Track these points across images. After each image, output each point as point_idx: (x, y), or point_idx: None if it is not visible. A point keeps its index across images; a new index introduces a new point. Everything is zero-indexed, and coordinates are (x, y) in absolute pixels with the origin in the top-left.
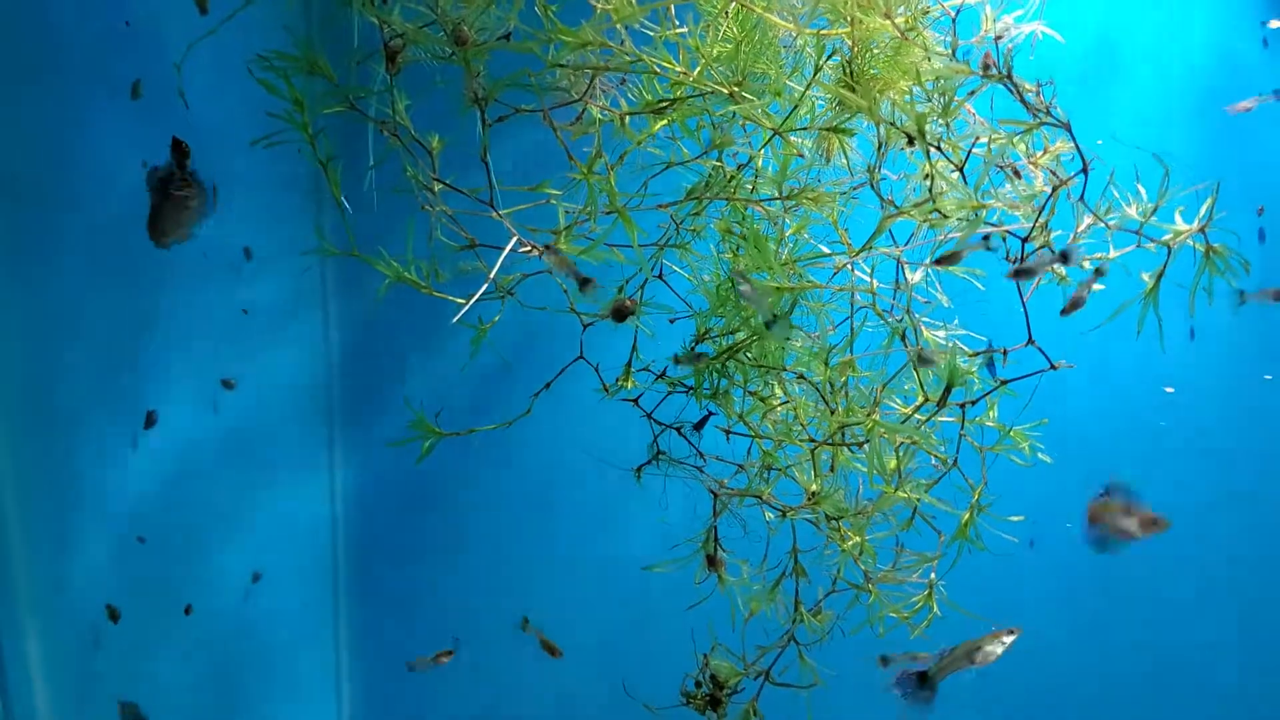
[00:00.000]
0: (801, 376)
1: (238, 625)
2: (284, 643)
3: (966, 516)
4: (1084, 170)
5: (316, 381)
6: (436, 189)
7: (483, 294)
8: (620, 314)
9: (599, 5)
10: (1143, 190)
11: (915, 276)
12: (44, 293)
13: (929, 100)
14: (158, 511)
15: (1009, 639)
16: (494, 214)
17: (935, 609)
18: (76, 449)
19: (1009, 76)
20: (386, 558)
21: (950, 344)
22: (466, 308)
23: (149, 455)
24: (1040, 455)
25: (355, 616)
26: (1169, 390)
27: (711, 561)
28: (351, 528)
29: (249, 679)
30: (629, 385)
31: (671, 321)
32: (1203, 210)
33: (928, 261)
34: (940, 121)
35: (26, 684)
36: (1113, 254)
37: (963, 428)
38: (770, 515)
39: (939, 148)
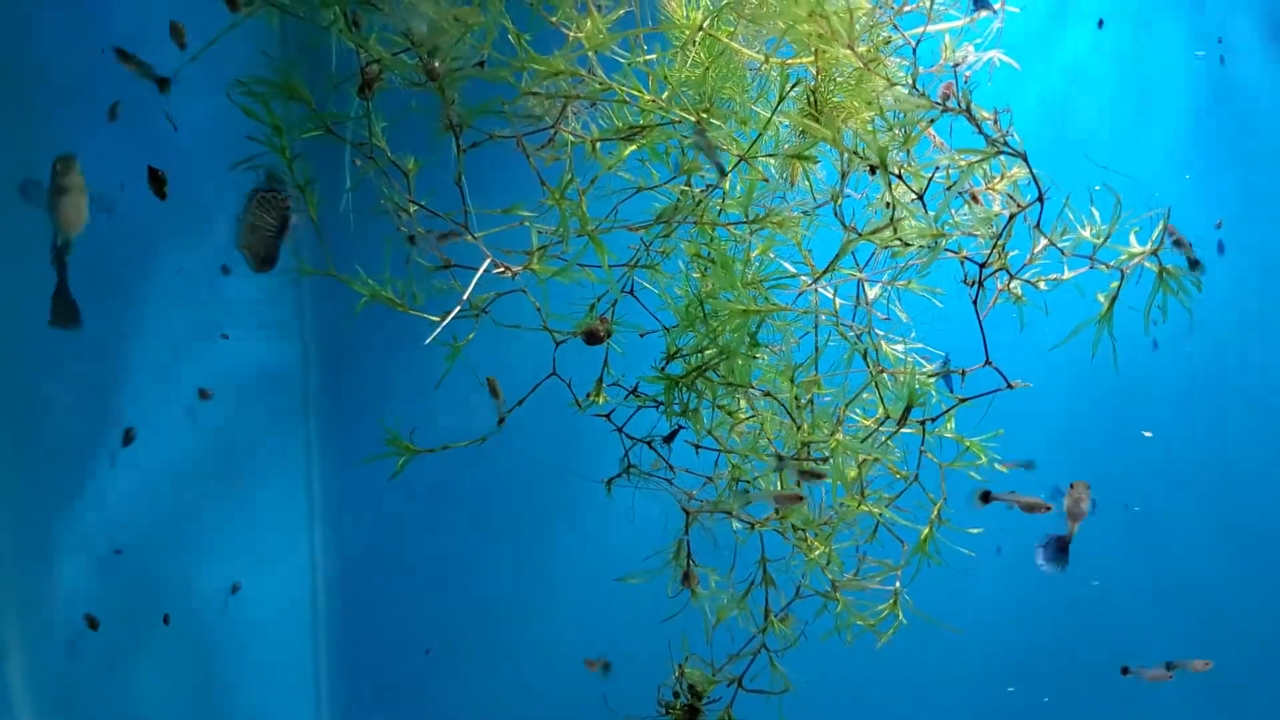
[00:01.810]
0: (768, 394)
1: (216, 636)
2: (262, 653)
3: (926, 531)
4: (1040, 199)
5: (294, 394)
6: (412, 210)
7: (458, 313)
8: (592, 337)
9: (571, 34)
10: (1096, 213)
11: (874, 292)
12: (22, 313)
13: (890, 129)
14: (136, 524)
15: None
16: (468, 237)
17: (900, 616)
18: (56, 466)
19: (968, 110)
20: (364, 569)
21: (909, 360)
22: (441, 327)
23: (128, 469)
24: (998, 466)
25: (333, 627)
26: (1147, 434)
27: (686, 578)
28: (329, 539)
29: (228, 689)
30: (600, 400)
31: (642, 335)
32: (1155, 234)
33: (885, 278)
34: (901, 149)
35: (6, 691)
36: (1067, 275)
37: (923, 443)
38: (737, 526)
39: (900, 176)
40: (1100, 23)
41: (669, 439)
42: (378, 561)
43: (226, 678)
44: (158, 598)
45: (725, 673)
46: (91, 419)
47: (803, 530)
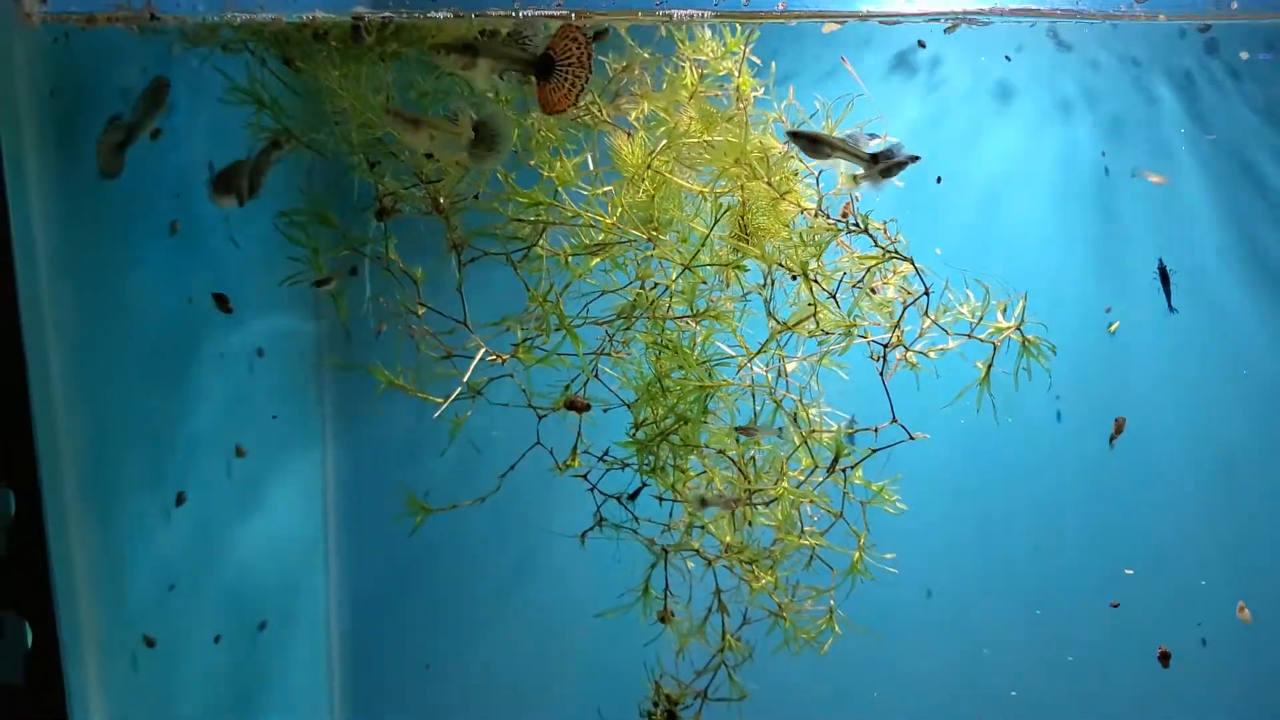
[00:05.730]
0: (721, 451)
1: (248, 663)
2: (287, 677)
3: (856, 556)
4: (926, 293)
5: (314, 455)
6: (421, 312)
7: (458, 394)
8: (573, 406)
9: (545, 173)
10: (971, 295)
11: (792, 365)
12: (102, 403)
13: (803, 244)
14: (185, 565)
15: None
16: (472, 340)
17: (836, 629)
18: (124, 522)
19: (865, 228)
20: (374, 608)
21: (820, 420)
22: (445, 405)
23: (179, 521)
24: (899, 505)
25: (345, 656)
26: (1129, 571)
27: (663, 615)
28: (344, 581)
29: (259, 707)
30: (576, 464)
31: (605, 410)
32: (1017, 310)
33: (808, 355)
34: (813, 257)
35: (84, 694)
36: (951, 345)
37: (845, 486)
38: (692, 564)
39: (817, 281)
40: (939, 179)
41: (633, 496)
42: (386, 602)
43: (257, 697)
44: (202, 625)
45: (693, 686)
46: (149, 481)
47: (749, 564)
